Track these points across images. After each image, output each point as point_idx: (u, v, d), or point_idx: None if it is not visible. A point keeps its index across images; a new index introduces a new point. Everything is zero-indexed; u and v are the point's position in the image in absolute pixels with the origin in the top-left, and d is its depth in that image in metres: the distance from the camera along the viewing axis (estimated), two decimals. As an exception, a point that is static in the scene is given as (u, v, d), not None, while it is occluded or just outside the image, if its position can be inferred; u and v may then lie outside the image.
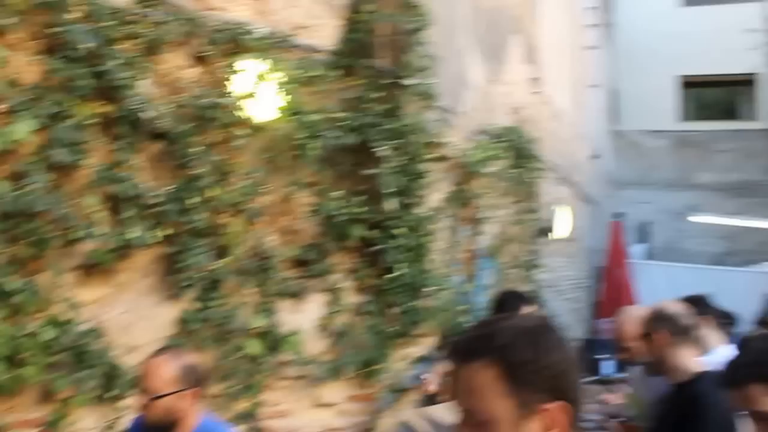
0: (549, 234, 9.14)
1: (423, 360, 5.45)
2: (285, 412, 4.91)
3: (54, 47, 4.15)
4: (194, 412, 2.98)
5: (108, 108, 4.27)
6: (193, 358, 3.05)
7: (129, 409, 4.30)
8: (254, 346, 4.64)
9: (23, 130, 3.98)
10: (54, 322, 4.12)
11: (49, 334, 4.08)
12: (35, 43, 4.15)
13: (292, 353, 4.85)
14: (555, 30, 11.01)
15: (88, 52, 4.17)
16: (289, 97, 4.75)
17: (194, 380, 2.99)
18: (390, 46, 5.40)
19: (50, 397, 4.19)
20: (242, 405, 4.58)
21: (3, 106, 3.99)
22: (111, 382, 4.27)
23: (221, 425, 3.11)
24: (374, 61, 5.35)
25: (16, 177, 4.00)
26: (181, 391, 2.93)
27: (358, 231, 5.07)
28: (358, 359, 5.13)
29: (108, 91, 4.27)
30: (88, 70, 4.19)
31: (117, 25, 4.26)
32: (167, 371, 2.95)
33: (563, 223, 9.58)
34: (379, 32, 5.38)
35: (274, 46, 4.83)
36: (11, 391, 4.04)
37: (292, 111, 4.79)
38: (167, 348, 3.18)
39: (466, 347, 1.67)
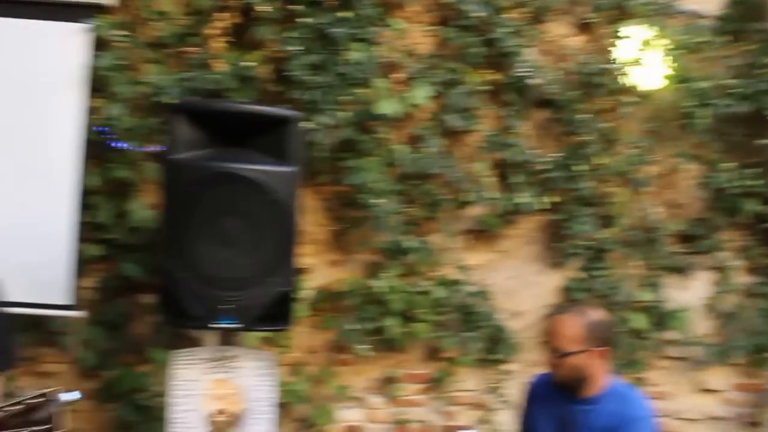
0: None
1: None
2: (665, 394, 4.65)
3: (447, 18, 4.32)
4: (603, 372, 2.85)
5: (496, 75, 4.35)
6: (599, 315, 2.90)
7: (511, 373, 4.35)
8: (639, 321, 4.46)
9: (421, 96, 4.19)
10: (444, 283, 4.28)
11: (439, 293, 4.26)
12: (429, 15, 4.35)
13: (677, 332, 4.58)
14: None
15: (479, 21, 4.28)
16: (675, 64, 4.53)
17: (601, 339, 2.84)
18: (785, 7, 4.94)
19: (436, 355, 4.36)
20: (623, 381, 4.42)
21: (402, 74, 4.23)
22: (495, 346, 4.34)
23: (633, 389, 2.94)
24: (767, 24, 4.92)
25: (414, 140, 4.21)
26: (587, 350, 2.81)
27: (752, 206, 4.66)
28: (747, 344, 4.71)
29: (496, 58, 4.35)
30: (479, 38, 4.30)
31: (506, -6, 4.32)
32: (573, 329, 2.82)
33: None
34: (772, -7, 4.95)
35: (658, 12, 4.62)
36: (402, 346, 4.27)
37: (679, 78, 4.55)
38: (572, 305, 3.08)
39: None
